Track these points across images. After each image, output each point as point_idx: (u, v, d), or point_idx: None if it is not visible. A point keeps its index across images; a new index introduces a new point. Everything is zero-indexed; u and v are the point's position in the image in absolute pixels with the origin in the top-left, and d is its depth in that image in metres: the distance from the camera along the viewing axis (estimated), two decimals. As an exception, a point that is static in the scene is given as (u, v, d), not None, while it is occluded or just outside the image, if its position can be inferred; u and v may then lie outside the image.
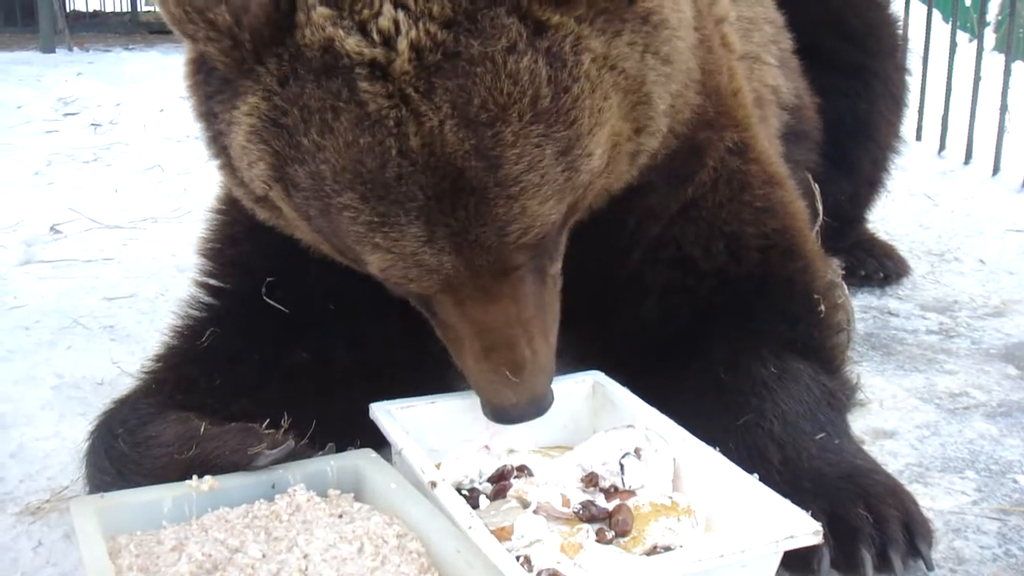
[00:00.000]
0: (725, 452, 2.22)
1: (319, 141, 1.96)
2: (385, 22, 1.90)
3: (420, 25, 1.89)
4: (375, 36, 1.90)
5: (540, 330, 2.25)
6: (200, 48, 2.05)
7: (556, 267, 2.31)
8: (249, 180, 2.16)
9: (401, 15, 1.90)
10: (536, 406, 2.27)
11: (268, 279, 2.59)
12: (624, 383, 2.54)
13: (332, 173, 1.97)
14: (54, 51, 12.90)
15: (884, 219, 5.08)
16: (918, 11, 7.17)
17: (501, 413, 2.26)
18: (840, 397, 2.57)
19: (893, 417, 3.02)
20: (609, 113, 2.11)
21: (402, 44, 1.89)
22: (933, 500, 2.52)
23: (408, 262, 2.04)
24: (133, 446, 2.23)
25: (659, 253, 2.67)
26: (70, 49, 13.22)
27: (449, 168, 1.93)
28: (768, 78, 3.56)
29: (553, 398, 2.32)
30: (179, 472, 2.14)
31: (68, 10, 16.40)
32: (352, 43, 1.90)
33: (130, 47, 13.69)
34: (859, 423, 2.85)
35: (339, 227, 2.05)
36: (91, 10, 18.68)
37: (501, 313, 2.17)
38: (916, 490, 2.48)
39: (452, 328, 2.25)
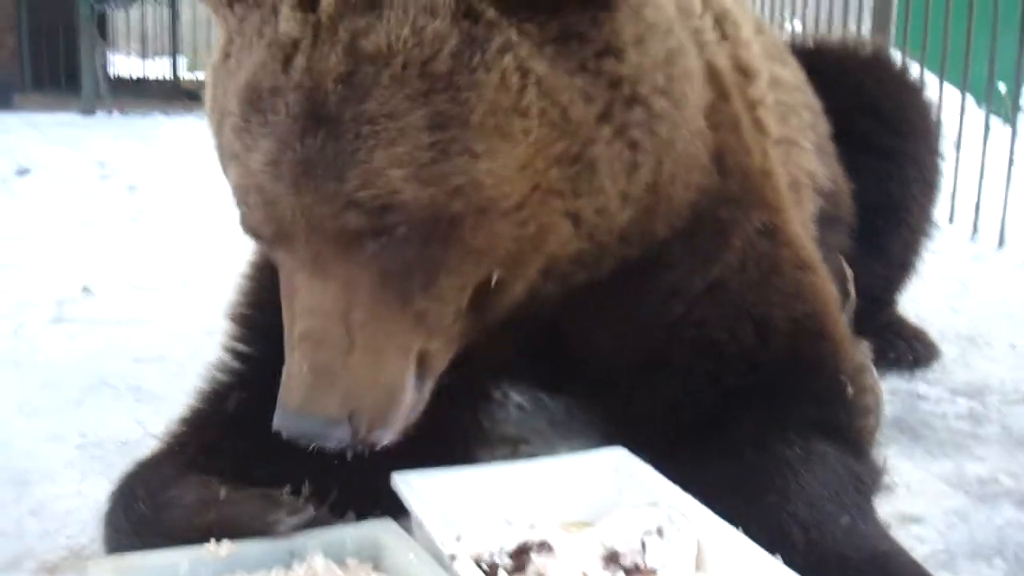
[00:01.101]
0: (748, 533, 2.19)
1: (240, 60, 2.08)
2: None
3: None
4: None
5: (377, 347, 2.08)
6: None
7: (437, 315, 2.14)
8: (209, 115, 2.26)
9: None
10: (314, 422, 2.06)
11: None
12: (648, 460, 2.51)
13: (236, 88, 2.07)
14: (94, 113, 13.13)
15: (915, 301, 5.04)
16: (952, 96, 7.19)
17: (276, 416, 2.09)
18: (867, 480, 2.52)
19: (920, 502, 2.97)
20: (523, 137, 2.07)
21: None
22: (961, 588, 2.48)
23: (253, 180, 2.06)
24: (153, 508, 2.22)
25: (683, 333, 2.63)
26: (110, 112, 13.45)
27: (318, 91, 1.98)
28: (804, 162, 3.56)
29: (348, 434, 2.07)
30: (198, 536, 2.12)
31: (112, 76, 16.69)
32: None
33: (168, 112, 13.90)
34: (886, 507, 2.80)
35: (222, 142, 2.14)
36: (134, 77, 19.02)
37: (327, 295, 2.07)
38: (943, 578, 2.44)
39: (285, 299, 2.18)
